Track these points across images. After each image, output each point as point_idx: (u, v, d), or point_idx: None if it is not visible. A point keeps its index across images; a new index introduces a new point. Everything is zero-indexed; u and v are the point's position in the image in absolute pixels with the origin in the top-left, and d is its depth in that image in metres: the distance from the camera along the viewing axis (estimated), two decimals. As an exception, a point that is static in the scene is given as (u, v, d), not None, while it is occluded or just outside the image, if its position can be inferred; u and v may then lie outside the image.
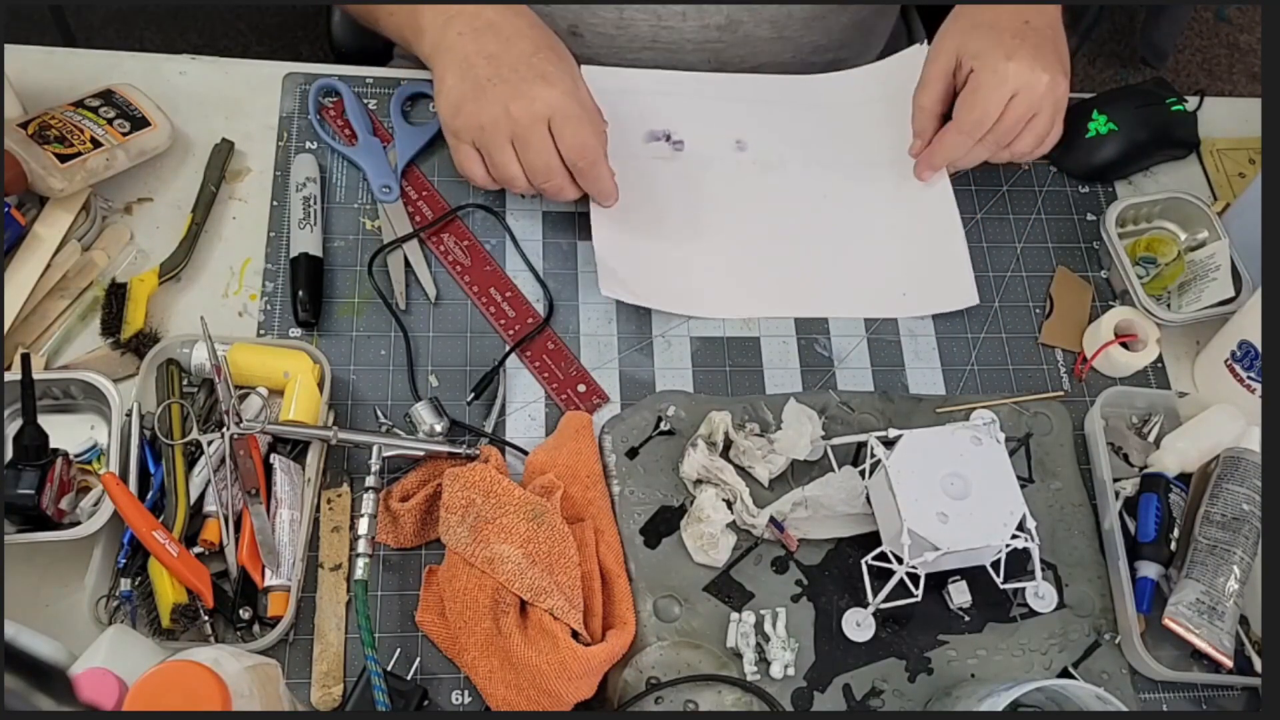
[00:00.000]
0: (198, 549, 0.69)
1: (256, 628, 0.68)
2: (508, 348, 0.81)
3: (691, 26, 0.96)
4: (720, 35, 0.97)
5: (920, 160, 0.87)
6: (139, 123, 0.83)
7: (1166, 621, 0.72)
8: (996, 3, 0.86)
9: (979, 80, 0.81)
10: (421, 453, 0.74)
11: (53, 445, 0.69)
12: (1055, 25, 0.85)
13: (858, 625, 0.72)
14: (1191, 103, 0.97)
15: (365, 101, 0.90)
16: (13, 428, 0.69)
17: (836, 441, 0.77)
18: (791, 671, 0.70)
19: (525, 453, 0.76)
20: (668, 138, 0.91)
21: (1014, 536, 0.70)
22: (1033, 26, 0.83)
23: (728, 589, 0.73)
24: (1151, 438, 0.82)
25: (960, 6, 0.87)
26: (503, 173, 0.79)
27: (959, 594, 0.73)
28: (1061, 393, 0.84)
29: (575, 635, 0.67)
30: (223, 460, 0.71)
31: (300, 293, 0.79)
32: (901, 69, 0.95)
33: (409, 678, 0.68)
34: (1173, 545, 0.76)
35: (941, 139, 0.84)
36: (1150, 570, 0.75)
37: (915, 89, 0.87)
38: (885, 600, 0.71)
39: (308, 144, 0.88)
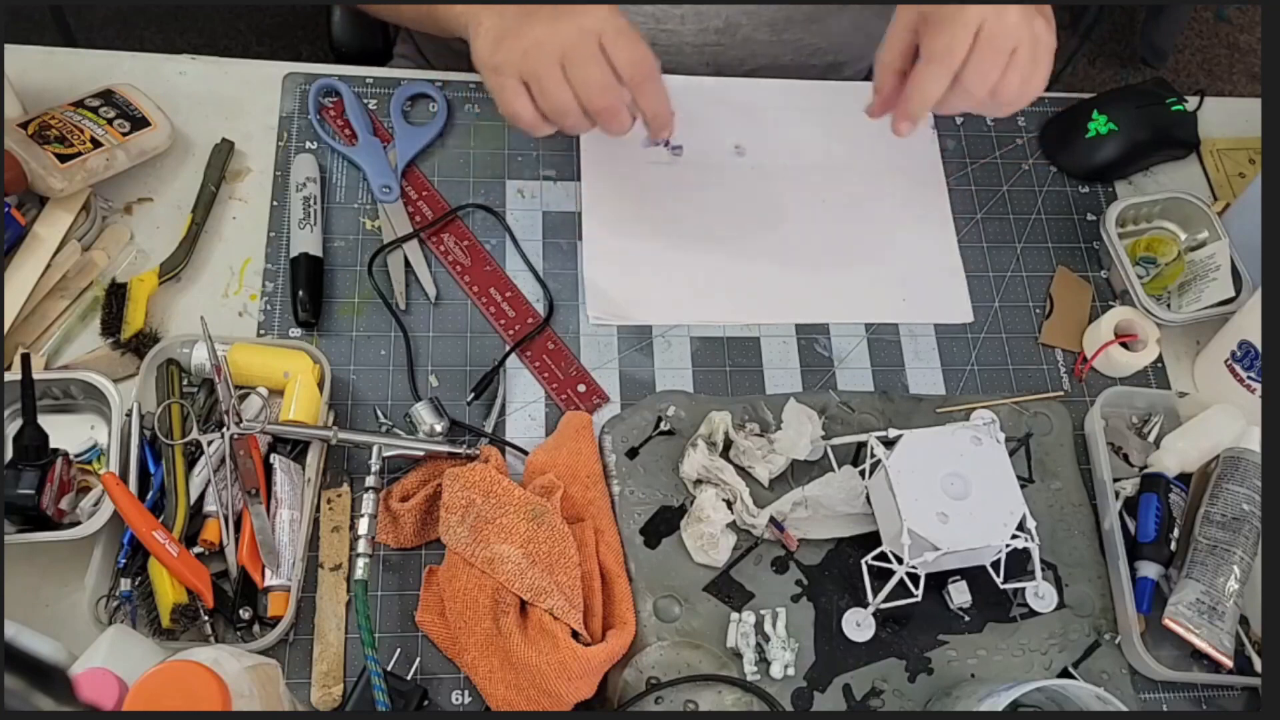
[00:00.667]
0: (198, 549, 0.69)
1: (256, 628, 0.68)
2: (508, 348, 0.81)
3: (690, 30, 0.96)
4: (719, 38, 0.97)
5: (897, 112, 0.76)
6: (139, 123, 0.83)
7: (1166, 621, 0.72)
8: None
9: (939, 14, 0.73)
10: (421, 453, 0.74)
11: (53, 445, 0.69)
12: None
13: (858, 625, 0.72)
14: (1191, 103, 0.97)
15: (365, 101, 0.90)
16: (13, 428, 0.69)
17: (836, 441, 0.77)
18: (791, 671, 0.70)
19: (525, 453, 0.76)
20: (666, 143, 0.91)
21: (1014, 536, 0.70)
22: None
23: (728, 589, 0.73)
24: (1151, 438, 0.82)
25: None
26: (553, 101, 0.73)
27: (959, 594, 0.73)
28: (1061, 393, 0.84)
29: (575, 635, 0.67)
30: (223, 460, 0.71)
31: (300, 293, 0.79)
32: None
33: (409, 678, 0.68)
34: (1173, 545, 0.76)
35: (913, 80, 0.74)
36: (1150, 570, 0.75)
37: (878, 50, 0.79)
38: (885, 600, 0.71)
39: (308, 144, 0.88)
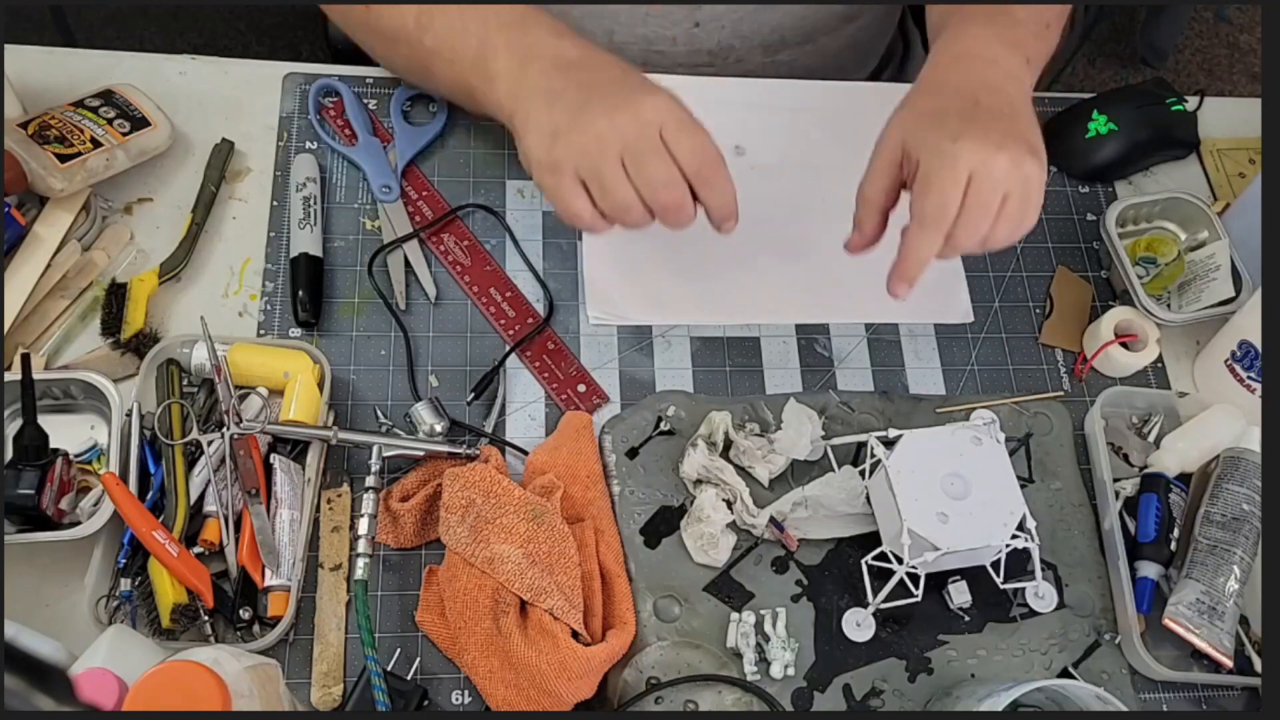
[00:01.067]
0: (198, 549, 0.69)
1: (256, 628, 0.68)
2: (508, 348, 0.81)
3: (681, 51, 0.95)
4: (711, 60, 0.96)
5: (893, 275, 0.71)
6: (139, 123, 0.83)
7: (1166, 621, 0.72)
8: None
9: (927, 167, 0.70)
10: (421, 453, 0.74)
11: (53, 445, 0.69)
12: (1014, 103, 0.74)
13: (858, 625, 0.72)
14: (1191, 103, 0.97)
15: (365, 101, 0.90)
16: (13, 428, 0.69)
17: (836, 441, 0.77)
18: (791, 671, 0.70)
19: (525, 453, 0.76)
20: None
21: (1014, 536, 0.70)
22: (984, 106, 0.72)
23: (728, 589, 0.73)
24: (1151, 438, 0.82)
25: (907, 95, 0.77)
26: (615, 199, 0.70)
27: (959, 594, 0.73)
28: (1061, 393, 0.84)
29: (575, 635, 0.67)
30: (223, 460, 0.71)
31: (300, 293, 0.79)
32: (902, 91, 0.95)
33: (409, 678, 0.68)
34: (1173, 545, 0.76)
35: (907, 244, 0.70)
36: (1150, 570, 0.75)
37: (861, 180, 0.76)
38: (885, 600, 0.71)
39: (308, 144, 0.88)
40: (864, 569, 0.73)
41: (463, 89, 0.80)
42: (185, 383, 0.75)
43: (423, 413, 0.74)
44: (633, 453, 0.77)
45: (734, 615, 0.71)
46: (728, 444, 0.77)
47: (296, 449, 0.74)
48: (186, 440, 0.71)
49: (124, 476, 0.69)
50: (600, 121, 0.69)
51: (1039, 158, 0.71)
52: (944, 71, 0.77)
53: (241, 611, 0.68)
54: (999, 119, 0.71)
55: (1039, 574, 0.72)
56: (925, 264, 0.70)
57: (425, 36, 0.79)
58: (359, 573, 0.69)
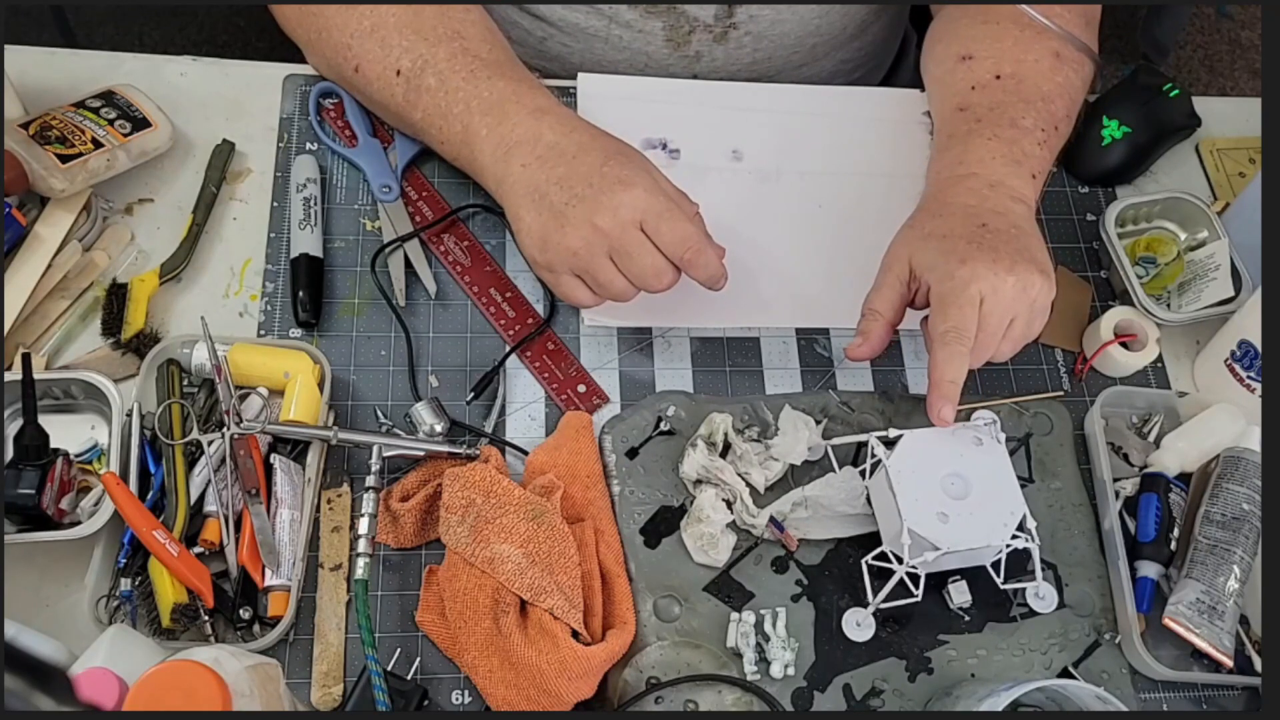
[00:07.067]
0: (198, 549, 0.69)
1: (256, 628, 0.69)
2: (508, 348, 0.81)
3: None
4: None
5: (933, 401, 0.72)
6: (140, 123, 0.83)
7: (1166, 621, 0.72)
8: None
9: (940, 292, 0.72)
10: (421, 453, 0.74)
11: (53, 445, 0.69)
12: (1019, 224, 0.76)
13: (858, 625, 0.72)
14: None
15: (365, 101, 0.90)
16: (13, 427, 0.69)
17: (836, 441, 0.77)
18: (791, 671, 0.70)
19: (525, 453, 0.76)
20: (664, 146, 0.91)
21: (1014, 536, 0.70)
22: (990, 229, 0.74)
23: (728, 589, 0.73)
24: (1151, 438, 0.82)
25: (914, 214, 0.79)
26: (609, 290, 0.74)
27: (959, 594, 0.73)
28: (1061, 393, 0.84)
29: (575, 635, 0.67)
30: (223, 460, 0.71)
31: (300, 293, 0.79)
32: (902, 99, 0.95)
33: (409, 678, 0.68)
34: (1173, 545, 0.76)
35: (936, 367, 0.72)
36: (1150, 570, 0.75)
37: (869, 292, 0.77)
38: (885, 600, 0.71)
39: (308, 145, 0.88)
40: (864, 569, 0.73)
41: (454, 161, 0.83)
42: (185, 383, 0.75)
43: (423, 413, 0.75)
44: (633, 453, 0.77)
45: (734, 615, 0.72)
46: (726, 445, 0.77)
47: (296, 449, 0.74)
48: (187, 440, 0.71)
49: (124, 476, 0.69)
50: (584, 227, 0.72)
51: (1047, 276, 0.73)
52: (949, 192, 0.79)
53: (241, 611, 0.68)
54: (1007, 241, 0.73)
55: (1039, 574, 0.72)
56: (959, 384, 0.71)
57: (413, 112, 0.81)
58: (359, 573, 0.69)
